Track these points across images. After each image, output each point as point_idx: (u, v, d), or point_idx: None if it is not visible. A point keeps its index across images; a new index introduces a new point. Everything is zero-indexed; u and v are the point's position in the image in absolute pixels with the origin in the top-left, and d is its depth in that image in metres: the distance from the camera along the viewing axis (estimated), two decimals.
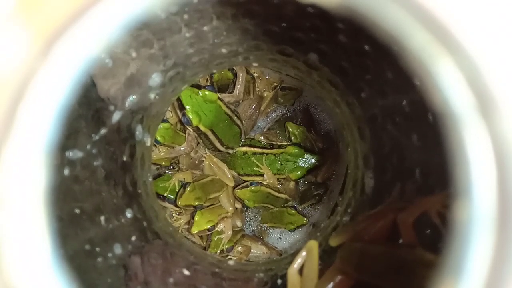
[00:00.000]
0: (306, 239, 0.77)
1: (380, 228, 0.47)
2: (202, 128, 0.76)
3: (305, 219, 0.85)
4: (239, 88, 0.81)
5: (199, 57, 0.57)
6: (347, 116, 0.59)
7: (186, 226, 0.82)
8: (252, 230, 0.89)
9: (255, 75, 0.85)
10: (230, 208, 0.83)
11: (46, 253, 0.20)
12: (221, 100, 0.77)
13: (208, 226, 0.79)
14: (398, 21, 0.17)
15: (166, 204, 0.79)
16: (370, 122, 0.55)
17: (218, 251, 0.80)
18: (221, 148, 0.80)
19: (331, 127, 0.86)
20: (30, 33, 0.16)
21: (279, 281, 0.57)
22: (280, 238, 0.88)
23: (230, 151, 0.82)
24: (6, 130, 0.17)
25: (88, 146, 0.49)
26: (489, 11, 0.17)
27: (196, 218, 0.80)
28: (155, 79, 0.54)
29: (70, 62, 0.16)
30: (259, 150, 0.83)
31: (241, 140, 0.83)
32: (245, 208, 0.87)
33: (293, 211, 0.87)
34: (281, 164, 0.84)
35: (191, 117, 0.73)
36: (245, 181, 0.84)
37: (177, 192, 0.79)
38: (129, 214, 0.55)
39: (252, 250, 0.85)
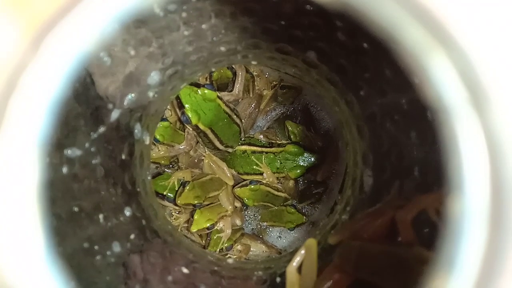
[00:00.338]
0: (305, 238, 0.76)
1: (378, 226, 0.47)
2: (201, 126, 0.76)
3: (304, 217, 0.85)
4: (238, 86, 0.81)
5: (197, 55, 0.57)
6: (346, 114, 0.59)
7: (186, 225, 0.82)
8: (252, 229, 0.89)
9: (254, 73, 0.85)
10: (230, 207, 0.83)
11: (40, 249, 0.20)
12: (221, 98, 0.77)
13: (208, 225, 0.79)
14: (391, 15, 0.17)
15: (166, 203, 0.79)
16: (369, 120, 0.55)
17: (218, 249, 0.80)
18: (221, 147, 0.80)
19: (331, 126, 0.86)
20: (20, 26, 0.16)
21: (278, 279, 0.57)
22: (280, 237, 0.88)
23: (230, 149, 0.82)
24: None
25: (87, 144, 0.49)
26: (482, 5, 0.17)
27: (195, 216, 0.80)
28: (154, 77, 0.54)
29: (62, 56, 0.16)
30: (259, 149, 0.83)
31: (241, 139, 0.83)
32: (245, 207, 0.87)
33: (293, 210, 0.87)
34: (281, 163, 0.84)
35: (190, 115, 0.73)
36: (244, 180, 0.84)
37: (177, 191, 0.79)
38: (128, 212, 0.55)
39: (251, 249, 0.85)
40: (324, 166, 0.85)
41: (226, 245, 0.81)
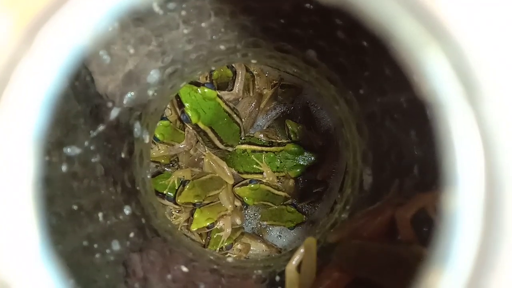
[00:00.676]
0: (305, 237, 0.76)
1: (378, 225, 0.47)
2: (201, 125, 0.76)
3: (304, 216, 0.85)
4: (238, 86, 0.81)
5: (197, 54, 0.57)
6: (346, 113, 0.59)
7: (186, 224, 0.83)
8: (252, 228, 0.89)
9: (254, 73, 0.85)
10: (230, 206, 0.83)
11: (35, 246, 0.19)
12: (220, 97, 0.77)
13: (208, 224, 0.79)
14: (386, 10, 0.17)
15: (166, 202, 0.80)
16: (369, 119, 0.55)
17: (218, 248, 0.80)
18: (221, 146, 0.80)
19: (331, 125, 0.86)
20: (12, 19, 0.16)
21: (277, 278, 0.57)
22: (280, 236, 0.88)
23: (230, 149, 0.82)
24: None
25: (86, 143, 0.49)
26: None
27: (195, 215, 0.80)
28: (153, 76, 0.54)
29: (56, 50, 0.16)
30: (259, 148, 0.83)
31: (241, 138, 0.83)
32: (245, 206, 0.87)
33: (293, 209, 0.87)
34: (281, 162, 0.84)
35: (190, 114, 0.73)
36: (244, 179, 0.84)
37: (177, 190, 0.79)
38: (127, 211, 0.55)
39: (251, 248, 0.85)
40: (324, 165, 0.85)
41: (226, 244, 0.81)
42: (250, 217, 0.89)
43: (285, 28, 0.53)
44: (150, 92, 0.56)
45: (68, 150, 0.46)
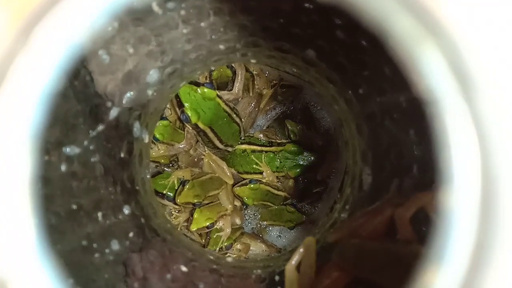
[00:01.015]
0: (305, 237, 0.76)
1: (377, 224, 0.47)
2: (201, 125, 0.76)
3: (304, 216, 0.85)
4: (238, 85, 0.81)
5: (196, 54, 0.57)
6: (345, 112, 0.59)
7: (185, 224, 0.82)
8: (252, 228, 0.89)
9: (254, 73, 0.85)
10: (229, 206, 0.83)
11: (32, 244, 0.19)
12: (220, 97, 0.77)
13: (207, 224, 0.79)
14: (382, 6, 0.17)
15: (165, 202, 0.79)
16: (368, 118, 0.55)
17: (217, 248, 0.80)
18: (220, 146, 0.80)
19: (331, 125, 0.86)
20: (7, 15, 0.16)
21: (277, 278, 0.57)
22: (280, 236, 0.88)
23: (229, 148, 0.82)
24: None
25: (86, 142, 0.49)
26: None
27: (195, 215, 0.80)
28: (153, 75, 0.54)
29: (52, 47, 0.16)
30: (258, 148, 0.83)
31: (240, 138, 0.83)
32: (244, 206, 0.87)
33: (292, 209, 0.87)
34: (280, 162, 0.84)
35: (189, 114, 0.73)
36: (244, 179, 0.84)
37: (176, 190, 0.79)
38: (126, 210, 0.55)
39: (251, 248, 0.85)
40: (324, 165, 0.85)
41: (225, 244, 0.81)
42: (250, 217, 0.89)
43: (284, 27, 0.53)
44: (150, 92, 0.56)
45: (68, 149, 0.46)
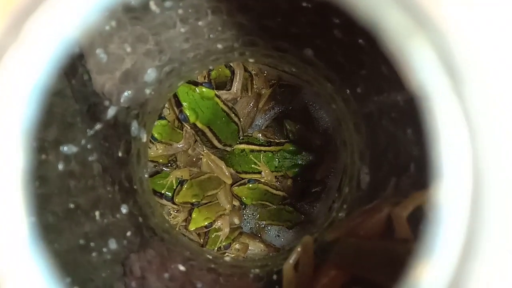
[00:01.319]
0: (304, 236, 0.76)
1: (375, 223, 0.47)
2: (199, 125, 0.76)
3: (302, 216, 0.85)
4: (236, 85, 0.81)
5: (194, 53, 0.57)
6: (343, 111, 0.59)
7: (184, 224, 0.82)
8: (250, 228, 0.89)
9: (253, 72, 0.85)
10: (228, 206, 0.83)
11: (24, 241, 0.19)
12: (219, 97, 0.77)
13: (206, 223, 0.79)
14: (373, 1, 0.17)
15: (164, 202, 0.79)
16: (366, 117, 0.55)
17: (216, 248, 0.80)
18: (219, 146, 0.80)
19: (329, 125, 0.86)
20: None
21: (275, 277, 0.57)
22: (278, 236, 0.88)
23: (228, 148, 0.82)
24: None
25: (83, 141, 0.49)
26: None
27: (193, 215, 0.80)
28: (151, 74, 0.54)
29: (44, 40, 0.16)
30: (257, 148, 0.83)
31: (239, 138, 0.83)
32: (243, 206, 0.87)
33: (291, 209, 0.87)
34: (279, 162, 0.84)
35: (188, 114, 0.73)
36: (242, 179, 0.84)
37: (175, 190, 0.79)
38: (124, 209, 0.55)
39: (250, 248, 0.85)
40: (323, 165, 0.85)
41: (224, 243, 0.81)
42: (248, 216, 0.89)
43: (282, 27, 0.53)
44: (148, 91, 0.56)
45: (65, 148, 0.46)
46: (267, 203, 0.85)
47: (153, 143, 0.78)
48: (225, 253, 0.81)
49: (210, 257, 0.65)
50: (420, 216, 0.41)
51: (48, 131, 0.44)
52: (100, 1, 0.16)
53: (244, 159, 0.84)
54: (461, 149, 0.17)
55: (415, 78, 0.17)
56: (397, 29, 0.17)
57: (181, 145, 0.80)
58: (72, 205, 0.47)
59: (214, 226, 0.81)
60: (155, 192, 0.77)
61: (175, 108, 0.75)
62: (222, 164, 0.83)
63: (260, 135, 0.85)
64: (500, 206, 0.17)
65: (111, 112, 0.52)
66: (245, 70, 0.82)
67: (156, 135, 0.76)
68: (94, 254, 0.48)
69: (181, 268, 0.56)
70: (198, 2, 0.49)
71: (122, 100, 0.52)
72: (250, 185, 0.83)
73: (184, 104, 0.73)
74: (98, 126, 0.50)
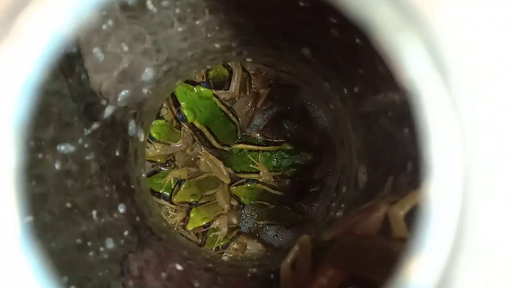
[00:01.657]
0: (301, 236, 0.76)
1: (372, 222, 0.47)
2: (197, 124, 0.76)
3: (300, 215, 0.85)
4: (234, 85, 0.81)
5: (192, 52, 0.57)
6: (341, 111, 0.59)
7: (182, 223, 0.82)
8: (248, 228, 0.89)
9: (251, 72, 0.85)
10: (226, 205, 0.83)
11: (15, 239, 0.19)
12: (217, 96, 0.77)
13: (204, 223, 0.79)
14: None
15: (162, 201, 0.79)
16: (363, 117, 0.55)
17: (214, 248, 0.80)
18: (217, 145, 0.80)
19: (327, 124, 0.86)
20: None
21: (272, 276, 0.57)
22: (276, 235, 0.88)
23: (226, 148, 0.82)
24: None
25: (80, 141, 0.49)
26: None
27: (191, 215, 0.80)
28: (148, 74, 0.54)
29: (36, 36, 0.16)
30: (255, 147, 0.83)
31: (237, 137, 0.83)
32: (241, 205, 0.87)
33: (289, 208, 0.87)
34: (277, 161, 0.83)
35: (186, 113, 0.73)
36: (241, 178, 0.84)
37: (173, 189, 0.79)
38: (122, 209, 0.55)
39: (248, 247, 0.85)
40: (321, 165, 0.85)
41: (222, 243, 0.81)
42: (246, 216, 0.89)
43: (279, 26, 0.53)
44: (145, 90, 0.56)
45: (62, 147, 0.46)
46: (265, 202, 0.85)
47: (151, 143, 0.78)
48: (223, 252, 0.81)
49: (208, 257, 0.65)
50: (417, 215, 0.41)
51: (45, 130, 0.44)
52: None
53: (242, 158, 0.84)
54: (451, 145, 0.17)
55: (406, 74, 0.17)
56: (387, 25, 0.17)
57: (179, 145, 0.80)
58: (69, 205, 0.46)
59: (212, 226, 0.81)
60: (153, 192, 0.77)
61: (173, 108, 0.75)
62: (220, 164, 0.83)
63: (258, 134, 0.85)
64: (489, 202, 0.17)
65: (108, 111, 0.52)
66: (243, 69, 0.82)
67: (154, 135, 0.76)
68: (91, 253, 0.48)
69: (179, 267, 0.56)
70: (196, 1, 0.49)
71: (119, 100, 0.52)
72: (248, 185, 0.83)
73: (182, 103, 0.73)
74: (95, 126, 0.50)
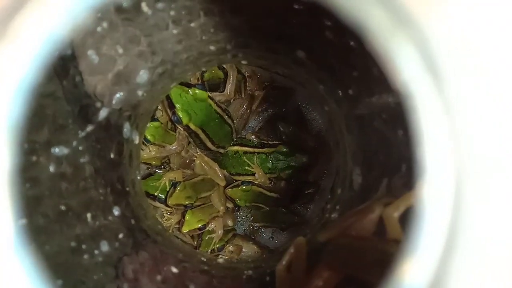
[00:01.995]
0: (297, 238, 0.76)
1: (367, 224, 0.47)
2: (192, 127, 0.76)
3: (296, 217, 0.85)
4: (230, 87, 0.81)
5: (187, 54, 0.57)
6: (336, 113, 0.60)
7: (177, 226, 0.82)
8: (244, 230, 0.89)
9: (246, 74, 0.85)
10: (221, 208, 0.83)
11: (9, 241, 0.19)
12: (212, 99, 0.77)
13: (199, 226, 0.79)
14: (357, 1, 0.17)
15: (157, 204, 0.79)
16: (358, 119, 0.55)
17: (209, 250, 0.80)
18: (212, 147, 0.80)
19: (322, 127, 0.86)
20: None
21: (268, 278, 0.57)
22: (272, 238, 0.88)
23: (221, 150, 0.82)
24: None
25: (75, 143, 0.49)
26: None
27: (187, 217, 0.80)
28: (143, 76, 0.54)
29: (31, 38, 0.16)
30: (251, 149, 0.83)
31: (232, 139, 0.83)
32: (237, 208, 0.87)
33: (285, 210, 0.87)
34: (272, 163, 0.84)
35: (181, 115, 0.73)
36: (236, 181, 0.84)
37: (168, 192, 0.79)
38: (116, 212, 0.54)
39: (243, 250, 0.84)
40: (316, 167, 0.85)
41: (217, 246, 0.81)
42: (242, 218, 0.89)
43: (274, 28, 0.53)
44: (140, 93, 0.56)
45: (56, 150, 0.46)
46: (260, 204, 0.85)
47: (146, 145, 0.78)
48: (218, 255, 0.81)
49: (204, 259, 0.65)
50: (412, 216, 0.41)
51: (39, 133, 0.44)
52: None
53: (237, 161, 0.84)
54: (444, 146, 0.18)
55: (399, 77, 0.17)
56: (381, 28, 0.17)
57: (174, 147, 0.80)
58: (63, 207, 0.46)
59: (207, 228, 0.81)
60: (148, 194, 0.77)
61: (168, 110, 0.75)
62: (215, 166, 0.83)
63: (254, 136, 0.85)
64: (482, 202, 0.17)
65: (103, 113, 0.52)
66: (238, 72, 0.82)
67: (149, 137, 0.76)
68: (85, 256, 0.47)
69: (174, 270, 0.56)
70: (191, 4, 0.49)
71: (114, 102, 0.52)
72: (244, 187, 0.83)
73: (177, 105, 0.73)
74: (89, 128, 0.50)
